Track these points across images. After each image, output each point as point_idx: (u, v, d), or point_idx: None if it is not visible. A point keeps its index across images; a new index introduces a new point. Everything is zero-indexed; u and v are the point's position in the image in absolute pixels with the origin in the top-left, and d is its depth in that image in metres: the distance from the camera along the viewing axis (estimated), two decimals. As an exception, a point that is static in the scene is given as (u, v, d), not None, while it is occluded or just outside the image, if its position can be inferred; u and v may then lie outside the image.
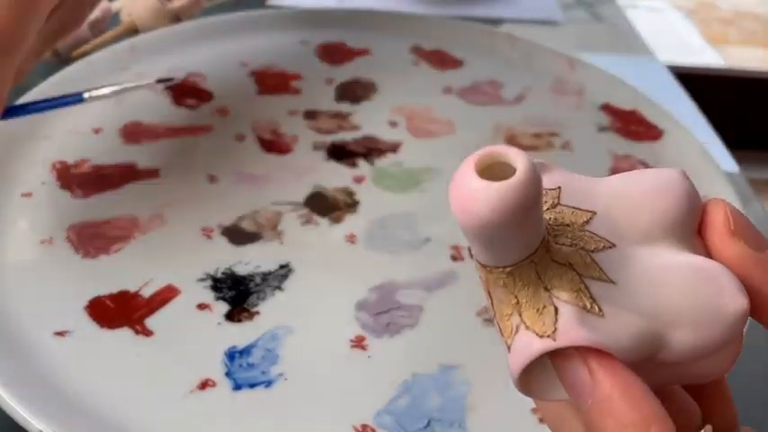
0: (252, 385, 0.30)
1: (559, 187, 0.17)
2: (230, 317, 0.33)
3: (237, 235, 0.37)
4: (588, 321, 0.16)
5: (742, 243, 0.18)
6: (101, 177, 0.41)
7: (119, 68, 0.49)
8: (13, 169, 0.40)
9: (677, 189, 0.18)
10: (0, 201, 0.38)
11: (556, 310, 0.16)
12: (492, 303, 0.17)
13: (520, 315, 0.16)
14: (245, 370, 0.31)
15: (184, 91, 0.48)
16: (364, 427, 0.29)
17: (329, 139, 0.45)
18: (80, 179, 0.40)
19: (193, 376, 0.30)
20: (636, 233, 0.17)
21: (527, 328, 0.16)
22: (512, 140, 0.46)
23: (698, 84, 0.48)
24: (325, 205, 0.40)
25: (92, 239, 0.37)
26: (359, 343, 0.32)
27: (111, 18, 0.56)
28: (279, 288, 0.35)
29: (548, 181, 0.17)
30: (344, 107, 0.48)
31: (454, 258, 0.37)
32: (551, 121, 0.48)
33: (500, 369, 0.32)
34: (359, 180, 0.42)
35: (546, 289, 0.16)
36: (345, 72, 0.51)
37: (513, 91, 0.50)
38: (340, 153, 0.43)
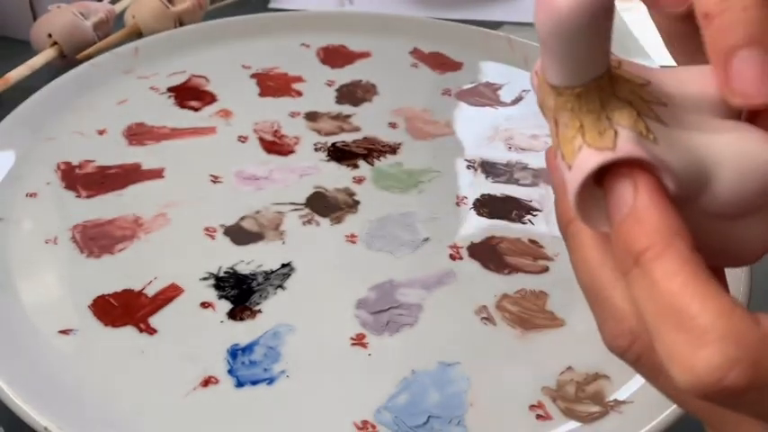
0: (254, 382, 0.31)
1: (620, 60, 0.19)
2: (233, 315, 0.34)
3: (240, 235, 0.38)
4: (643, 143, 0.17)
5: None
6: (105, 178, 0.41)
7: (123, 71, 0.50)
8: (18, 170, 0.41)
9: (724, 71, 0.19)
10: (5, 201, 0.39)
11: (615, 132, 0.18)
12: (557, 131, 0.19)
13: (583, 137, 0.18)
14: (247, 367, 0.31)
15: (188, 93, 0.48)
16: (365, 423, 0.29)
17: (330, 140, 0.45)
18: (84, 179, 0.41)
19: (196, 374, 0.31)
20: (686, 102, 0.19)
21: (589, 146, 0.18)
22: (509, 141, 0.46)
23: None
24: (326, 205, 0.40)
25: (96, 239, 0.37)
26: (359, 341, 0.33)
27: (116, 21, 0.56)
28: (281, 287, 0.35)
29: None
30: (345, 109, 0.48)
31: (453, 258, 0.37)
32: (550, 123, 0.48)
33: (499, 366, 0.32)
34: (359, 181, 0.42)
35: (608, 117, 0.18)
36: (346, 74, 0.52)
37: (512, 93, 0.51)
38: (341, 154, 0.44)
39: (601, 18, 0.17)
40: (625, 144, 0.17)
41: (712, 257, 0.19)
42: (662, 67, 0.21)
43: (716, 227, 0.19)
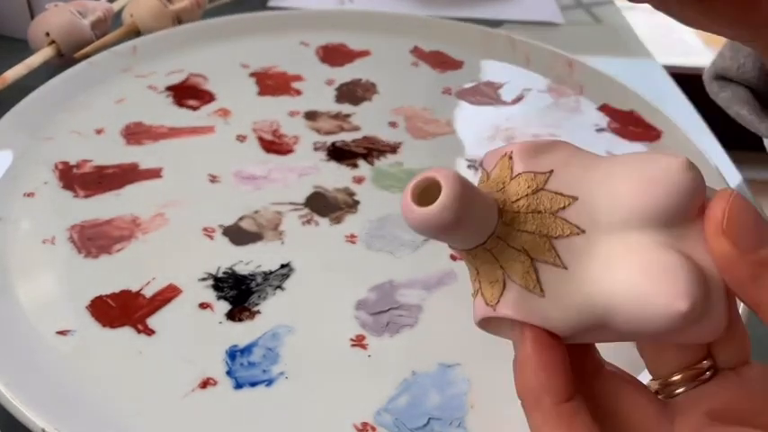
0: (253, 384, 0.31)
1: (551, 171, 0.19)
2: (231, 316, 0.33)
3: (239, 235, 0.38)
4: (527, 299, 0.18)
5: (728, 243, 0.18)
6: (103, 177, 0.41)
7: (121, 70, 0.49)
8: (16, 169, 0.41)
9: (671, 183, 0.18)
10: (2, 200, 0.38)
11: (504, 285, 0.19)
12: (468, 268, 0.20)
13: (479, 282, 0.19)
14: (246, 369, 0.31)
15: (186, 92, 0.48)
16: (364, 425, 0.29)
17: (330, 139, 0.45)
18: (82, 179, 0.41)
19: (195, 375, 0.31)
20: (613, 220, 0.19)
21: (482, 294, 0.19)
22: (510, 140, 0.46)
23: (695, 85, 0.48)
24: (325, 205, 0.40)
25: (94, 239, 0.37)
26: (359, 342, 0.33)
27: (113, 19, 0.56)
28: (280, 287, 0.35)
29: (545, 163, 0.19)
30: (345, 108, 0.48)
31: (453, 258, 0.37)
32: (550, 122, 0.48)
33: (500, 368, 0.32)
34: (359, 180, 0.42)
35: (501, 267, 0.19)
36: (346, 73, 0.51)
37: (512, 92, 0.51)
38: (340, 153, 0.44)
39: (449, 227, 0.17)
40: (506, 303, 0.19)
41: (664, 342, 0.20)
42: (614, 155, 0.20)
43: (643, 339, 0.20)
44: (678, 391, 0.20)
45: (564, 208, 0.19)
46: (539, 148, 0.19)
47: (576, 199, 0.19)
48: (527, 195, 0.19)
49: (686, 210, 0.19)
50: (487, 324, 0.20)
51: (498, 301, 0.19)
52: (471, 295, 0.20)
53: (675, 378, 0.21)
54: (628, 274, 0.18)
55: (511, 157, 0.19)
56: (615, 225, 0.19)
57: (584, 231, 0.19)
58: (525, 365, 0.19)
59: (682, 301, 0.18)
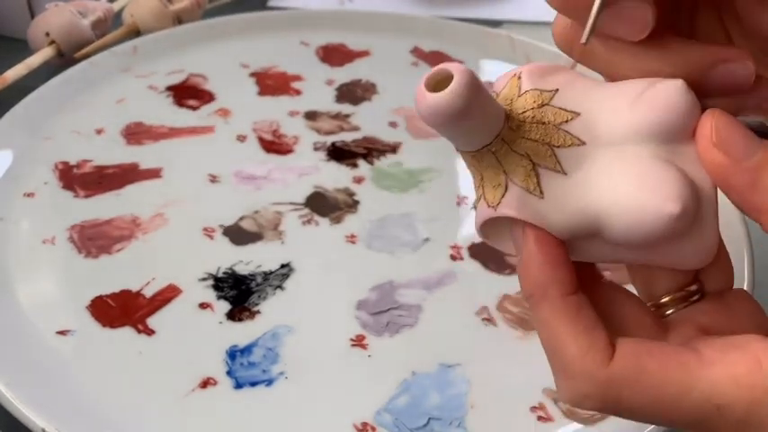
0: (253, 384, 0.31)
1: (557, 89, 0.20)
2: (231, 316, 0.33)
3: (239, 235, 0.38)
4: (527, 200, 0.19)
5: (720, 153, 0.19)
6: (103, 178, 0.41)
7: (121, 70, 0.49)
8: (16, 169, 0.41)
9: (668, 101, 0.19)
10: (3, 201, 0.39)
11: (506, 188, 0.20)
12: (471, 176, 0.21)
13: (483, 188, 0.20)
14: (245, 369, 0.31)
15: (186, 92, 0.48)
16: (364, 425, 0.29)
17: (330, 139, 0.45)
18: (82, 179, 0.41)
19: (195, 375, 0.31)
20: (612, 134, 0.20)
21: (484, 198, 0.20)
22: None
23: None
24: (325, 205, 0.40)
25: (94, 239, 0.37)
26: (359, 342, 0.33)
27: (114, 19, 0.56)
28: (280, 287, 0.35)
29: (551, 82, 0.20)
30: (345, 108, 0.48)
31: (453, 258, 0.37)
32: (550, 122, 0.48)
33: (499, 368, 0.32)
34: (359, 180, 0.42)
35: (504, 172, 0.20)
36: (346, 73, 0.51)
37: (513, 92, 0.51)
38: (340, 153, 0.44)
39: (461, 113, 0.18)
40: (507, 203, 0.20)
41: (649, 264, 0.21)
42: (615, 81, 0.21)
43: (633, 250, 0.20)
44: (669, 312, 0.22)
45: (567, 122, 0.20)
46: (546, 70, 0.20)
47: (578, 114, 0.20)
48: (533, 108, 0.20)
49: (683, 128, 0.20)
50: (488, 231, 0.21)
51: (500, 202, 0.20)
52: (473, 205, 0.21)
53: (665, 300, 0.22)
54: (623, 180, 0.19)
55: (519, 77, 0.20)
56: (615, 139, 0.20)
57: (584, 143, 0.20)
58: (530, 262, 0.20)
59: (672, 204, 0.18)
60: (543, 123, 0.20)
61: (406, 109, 0.48)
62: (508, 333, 0.33)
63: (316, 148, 0.44)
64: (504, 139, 0.19)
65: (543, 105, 0.20)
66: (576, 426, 0.30)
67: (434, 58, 0.54)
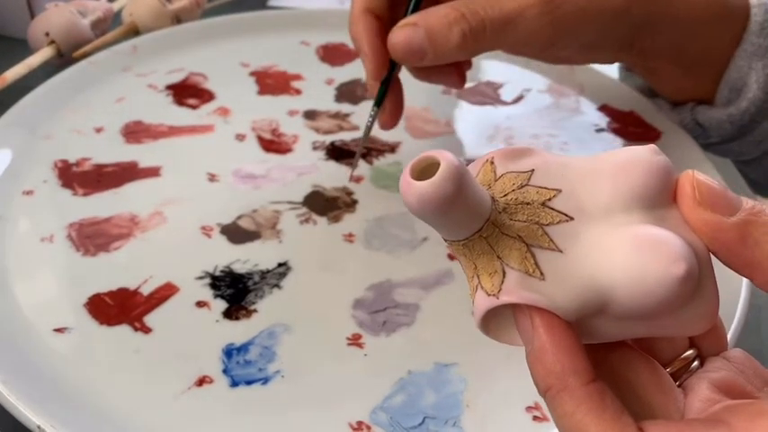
0: (249, 382, 0.31)
1: (533, 170, 0.20)
2: (228, 314, 0.33)
3: (236, 233, 0.38)
4: (529, 283, 0.19)
5: (707, 211, 0.19)
6: (102, 176, 0.41)
7: (121, 69, 0.49)
8: (15, 167, 0.41)
9: (644, 164, 0.19)
10: (1, 198, 0.39)
11: (504, 273, 0.19)
12: (462, 268, 0.20)
13: (478, 277, 0.19)
14: (242, 367, 0.31)
15: (186, 91, 0.48)
16: (360, 424, 0.29)
17: (329, 138, 0.45)
18: (81, 177, 0.41)
19: (191, 373, 0.31)
20: (598, 207, 0.19)
21: (482, 288, 0.19)
22: (510, 141, 0.46)
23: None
24: (323, 205, 0.40)
25: (92, 237, 0.37)
26: (355, 341, 0.33)
27: (113, 19, 0.56)
28: (277, 286, 0.35)
29: (525, 164, 0.20)
30: (344, 107, 0.48)
31: (451, 257, 0.37)
32: (550, 122, 0.48)
33: (495, 367, 0.32)
34: (357, 180, 0.42)
35: (498, 257, 0.19)
36: (346, 73, 0.51)
37: (512, 92, 0.51)
38: (339, 153, 0.44)
39: (449, 200, 0.18)
40: (509, 289, 0.19)
41: (653, 336, 0.20)
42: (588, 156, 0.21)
43: (639, 324, 0.20)
44: (679, 380, 0.21)
45: (550, 199, 0.19)
46: (516, 153, 0.20)
47: (560, 191, 0.19)
48: (513, 191, 0.19)
49: (663, 191, 0.19)
50: (489, 323, 0.20)
51: (500, 289, 0.19)
52: (469, 296, 0.20)
53: (670, 371, 0.21)
54: (622, 249, 0.18)
55: (492, 162, 0.20)
56: (601, 211, 0.19)
57: (572, 218, 0.19)
58: (543, 352, 0.19)
59: (678, 265, 0.18)
60: (528, 204, 0.19)
61: (406, 109, 0.48)
62: (505, 332, 0.33)
63: (315, 148, 0.44)
64: (494, 223, 0.19)
65: (523, 186, 0.19)
66: (572, 425, 0.29)
67: (434, 57, 0.54)
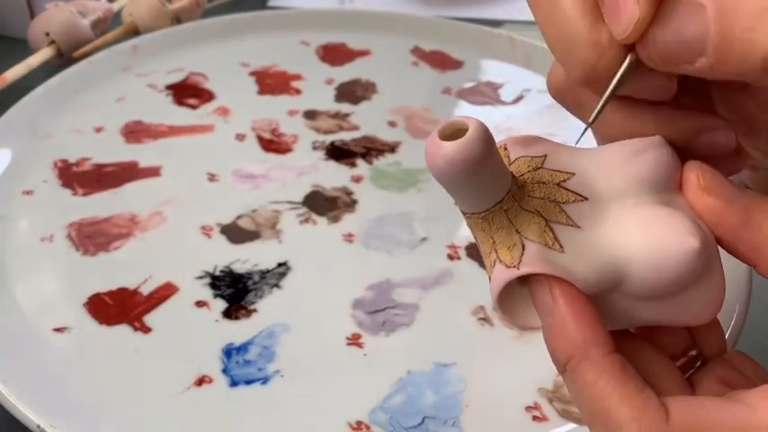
0: (248, 382, 0.31)
1: (545, 155, 0.20)
2: (228, 314, 0.33)
3: (236, 233, 0.38)
4: (548, 255, 0.19)
5: (711, 197, 0.20)
6: (102, 176, 0.41)
7: (121, 69, 0.49)
8: (15, 167, 0.41)
9: (652, 153, 0.20)
10: (2, 198, 0.39)
11: (523, 246, 0.19)
12: (478, 244, 0.20)
13: (496, 252, 0.19)
14: (241, 367, 0.31)
15: (186, 91, 0.48)
16: (359, 423, 0.29)
17: (329, 138, 0.45)
18: (81, 177, 0.41)
19: (191, 373, 0.31)
20: (610, 190, 0.20)
21: (501, 261, 0.19)
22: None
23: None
24: (323, 204, 0.40)
25: (92, 237, 0.37)
26: (355, 341, 0.33)
27: (113, 19, 0.56)
28: (277, 286, 0.35)
29: (537, 150, 0.20)
30: (344, 107, 0.48)
31: (451, 257, 0.37)
32: (550, 122, 0.48)
33: (495, 367, 0.32)
34: (357, 180, 0.42)
35: (517, 231, 0.19)
36: (346, 72, 0.51)
37: (512, 92, 0.51)
38: (339, 153, 0.44)
39: (477, 162, 0.18)
40: (530, 260, 0.19)
41: (662, 322, 0.21)
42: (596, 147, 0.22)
43: (649, 306, 0.20)
44: (687, 374, 0.22)
45: (564, 181, 0.20)
46: (528, 141, 0.21)
47: (573, 174, 0.20)
48: (528, 172, 0.20)
49: (670, 179, 0.20)
50: (505, 301, 0.20)
51: (520, 260, 0.19)
52: (487, 272, 0.20)
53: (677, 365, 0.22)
54: (639, 225, 0.19)
55: (506, 148, 0.21)
56: (614, 192, 0.20)
57: (586, 199, 0.20)
58: (564, 324, 0.18)
59: (693, 238, 0.19)
60: (543, 183, 0.20)
61: (406, 108, 0.48)
62: (504, 333, 0.33)
63: (314, 148, 0.44)
64: (513, 196, 0.19)
65: (538, 169, 0.20)
66: (570, 425, 0.30)
67: (434, 57, 0.54)
